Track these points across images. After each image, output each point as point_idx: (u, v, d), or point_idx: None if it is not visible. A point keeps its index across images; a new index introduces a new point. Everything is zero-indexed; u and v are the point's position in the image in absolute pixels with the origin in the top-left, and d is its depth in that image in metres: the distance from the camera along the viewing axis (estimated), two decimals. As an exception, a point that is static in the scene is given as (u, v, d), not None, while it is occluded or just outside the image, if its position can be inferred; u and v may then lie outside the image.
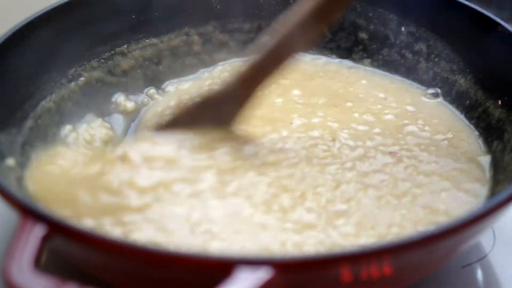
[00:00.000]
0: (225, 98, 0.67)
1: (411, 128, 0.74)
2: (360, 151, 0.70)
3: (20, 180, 0.64)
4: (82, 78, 0.77)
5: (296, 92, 0.79)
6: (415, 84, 0.81)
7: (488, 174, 0.69)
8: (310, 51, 0.86)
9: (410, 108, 0.77)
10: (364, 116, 0.75)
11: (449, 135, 0.73)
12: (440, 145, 0.72)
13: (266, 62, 0.65)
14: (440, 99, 0.79)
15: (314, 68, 0.84)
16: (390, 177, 0.67)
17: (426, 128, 0.74)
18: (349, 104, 0.77)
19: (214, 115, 0.68)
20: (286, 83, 0.79)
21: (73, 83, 0.77)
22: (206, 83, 0.81)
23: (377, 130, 0.73)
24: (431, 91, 0.80)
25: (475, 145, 0.73)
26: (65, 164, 0.67)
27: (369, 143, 0.71)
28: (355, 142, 0.71)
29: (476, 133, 0.74)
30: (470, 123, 0.75)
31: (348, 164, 0.68)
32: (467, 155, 0.71)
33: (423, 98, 0.79)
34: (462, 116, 0.76)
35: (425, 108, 0.77)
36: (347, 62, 0.85)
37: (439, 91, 0.79)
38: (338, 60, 0.85)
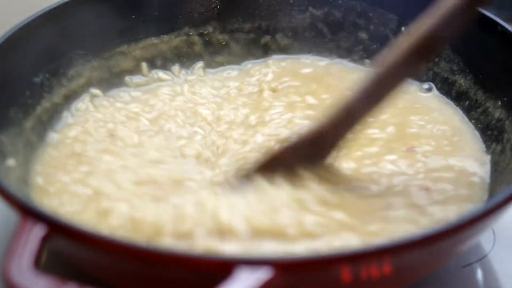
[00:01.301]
0: (321, 137, 0.60)
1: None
2: None
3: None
4: (82, 79, 0.78)
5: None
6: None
7: (486, 174, 0.69)
8: (310, 52, 0.86)
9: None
10: None
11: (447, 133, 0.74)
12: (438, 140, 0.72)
13: (370, 96, 0.59)
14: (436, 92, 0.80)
15: (313, 69, 0.84)
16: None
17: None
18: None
19: (305, 155, 0.61)
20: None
21: (73, 83, 0.77)
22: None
23: None
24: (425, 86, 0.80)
25: (475, 145, 0.73)
26: None
27: None
28: None
29: (476, 133, 0.74)
30: (469, 123, 0.75)
31: None
32: (465, 154, 0.71)
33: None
34: (461, 115, 0.76)
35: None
36: (347, 62, 0.85)
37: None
38: (338, 60, 0.85)
